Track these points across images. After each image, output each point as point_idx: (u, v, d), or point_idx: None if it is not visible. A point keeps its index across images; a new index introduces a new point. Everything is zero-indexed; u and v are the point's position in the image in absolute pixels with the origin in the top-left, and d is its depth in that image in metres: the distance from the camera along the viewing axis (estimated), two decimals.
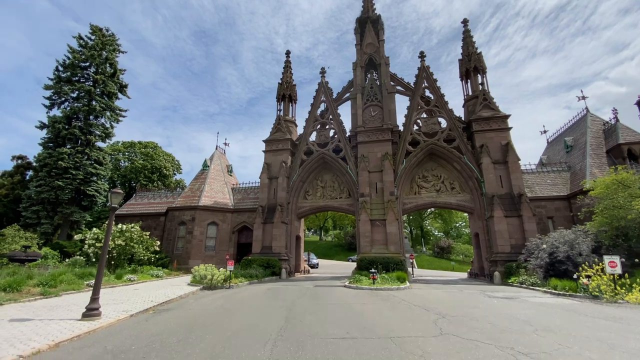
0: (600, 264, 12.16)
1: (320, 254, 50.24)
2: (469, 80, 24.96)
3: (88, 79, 31.05)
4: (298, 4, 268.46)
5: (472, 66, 24.48)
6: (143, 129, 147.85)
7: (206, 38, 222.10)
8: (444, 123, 24.08)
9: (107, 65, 32.10)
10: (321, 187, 26.27)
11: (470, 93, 24.73)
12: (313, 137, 26.82)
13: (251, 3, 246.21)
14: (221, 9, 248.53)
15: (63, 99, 30.45)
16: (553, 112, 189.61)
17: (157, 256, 23.90)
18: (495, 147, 21.96)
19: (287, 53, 30.23)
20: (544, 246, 15.58)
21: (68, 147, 28.74)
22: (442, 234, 71.43)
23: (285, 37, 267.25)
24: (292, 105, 29.05)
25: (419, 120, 24.56)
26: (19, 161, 34.72)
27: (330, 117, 26.66)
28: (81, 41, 31.24)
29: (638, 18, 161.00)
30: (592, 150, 23.47)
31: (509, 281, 17.08)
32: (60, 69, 30.45)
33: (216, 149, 34.90)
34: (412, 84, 25.82)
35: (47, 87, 30.00)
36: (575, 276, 12.89)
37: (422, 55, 25.97)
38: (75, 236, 22.74)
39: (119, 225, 20.60)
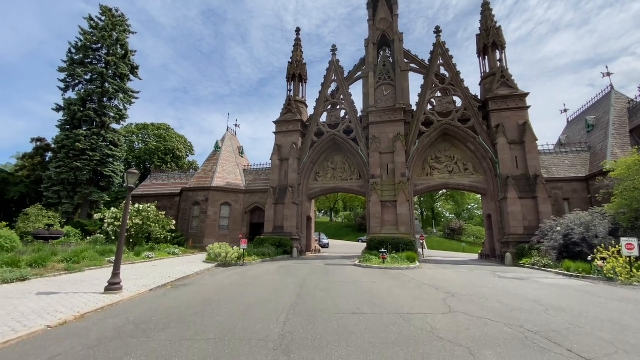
0: (617, 246, 11.92)
1: (330, 234, 50.89)
2: (486, 57, 23.89)
3: (100, 60, 31.24)
4: None
5: (490, 41, 23.34)
6: (155, 110, 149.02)
7: (215, 17, 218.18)
8: (458, 102, 23.34)
9: (118, 46, 32.12)
10: (332, 168, 26.22)
11: (487, 70, 23.74)
12: (324, 117, 26.50)
13: None
14: None
15: (77, 81, 30.85)
16: (575, 90, 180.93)
17: (173, 235, 24.71)
18: (511, 127, 21.27)
19: (297, 30, 29.48)
20: (559, 228, 15.32)
21: (84, 129, 29.38)
22: (453, 215, 71.00)
23: (295, 14, 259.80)
24: (302, 85, 28.61)
25: (433, 99, 23.87)
26: (38, 143, 35.75)
27: (341, 97, 26.19)
28: (92, 22, 31.21)
29: None
30: (614, 130, 22.46)
31: (521, 262, 16.99)
32: (73, 51, 30.67)
33: (227, 130, 35.03)
34: (426, 62, 24.92)
35: (61, 70, 30.38)
36: (589, 258, 12.69)
37: (437, 31, 24.88)
38: (95, 215, 23.69)
39: (136, 205, 21.28)
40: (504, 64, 22.84)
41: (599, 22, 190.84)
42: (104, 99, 30.92)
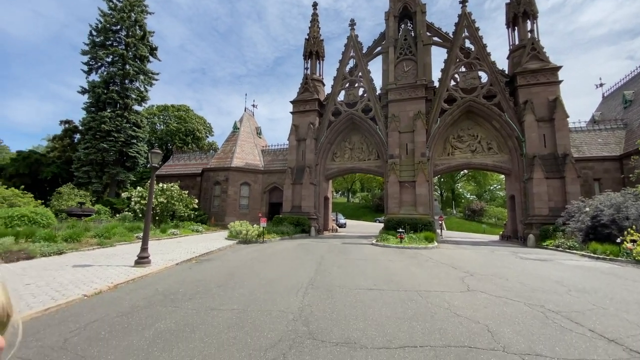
0: None
1: (347, 214, 51.18)
2: (516, 28, 22.32)
3: (120, 42, 31.67)
4: None
5: (521, 10, 21.70)
6: (175, 92, 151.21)
7: None
8: (484, 77, 22.18)
9: (137, 27, 32.34)
10: (349, 148, 25.96)
11: (516, 42, 22.23)
12: (341, 96, 25.99)
13: None
14: None
15: (99, 64, 31.56)
16: (612, 63, 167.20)
17: (196, 213, 25.66)
18: (540, 103, 20.10)
19: (314, 5, 28.51)
20: (587, 209, 14.69)
21: (108, 110, 30.31)
22: (474, 196, 69.39)
23: None
24: (319, 63, 27.99)
25: (456, 75, 22.79)
26: (67, 125, 37.33)
27: (360, 74, 25.47)
28: (110, 3, 31.43)
29: None
30: None
31: (544, 244, 16.53)
32: (94, 33, 31.20)
33: (245, 111, 35.14)
34: (450, 35, 23.61)
35: (83, 53, 31.09)
36: (618, 240, 12.18)
37: (463, 1, 23.38)
38: (123, 194, 24.86)
39: (160, 185, 22.09)
40: (535, 35, 21.30)
41: None
42: (126, 80, 31.58)
